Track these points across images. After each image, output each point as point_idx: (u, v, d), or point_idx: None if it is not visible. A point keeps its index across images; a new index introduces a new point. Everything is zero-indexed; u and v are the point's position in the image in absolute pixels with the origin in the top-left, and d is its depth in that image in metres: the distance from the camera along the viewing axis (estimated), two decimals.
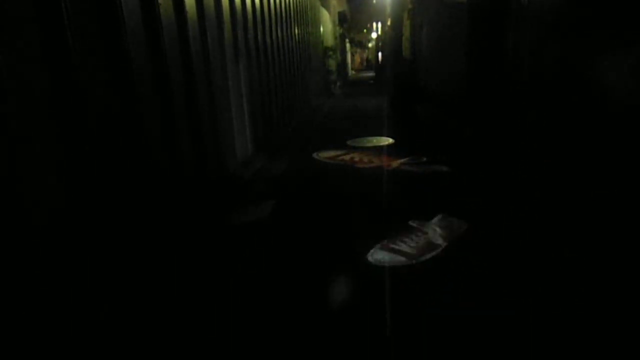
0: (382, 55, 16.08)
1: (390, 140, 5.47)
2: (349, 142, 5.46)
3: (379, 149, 5.03)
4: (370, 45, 28.13)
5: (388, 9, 12.19)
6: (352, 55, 29.25)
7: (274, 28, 5.63)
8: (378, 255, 2.27)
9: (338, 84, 14.62)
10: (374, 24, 19.65)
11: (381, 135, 5.82)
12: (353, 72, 24.30)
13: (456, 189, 3.41)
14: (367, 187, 3.58)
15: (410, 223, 2.65)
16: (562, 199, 2.83)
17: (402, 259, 2.23)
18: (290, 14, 6.97)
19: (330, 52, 13.74)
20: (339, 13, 18.87)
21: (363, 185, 3.66)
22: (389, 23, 12.51)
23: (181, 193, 2.52)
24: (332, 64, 14.32)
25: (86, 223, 1.70)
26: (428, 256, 2.25)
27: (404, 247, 2.35)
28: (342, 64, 18.97)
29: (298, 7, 7.90)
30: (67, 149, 1.63)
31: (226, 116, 3.60)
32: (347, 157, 4.66)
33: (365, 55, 32.93)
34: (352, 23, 22.91)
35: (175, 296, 2.01)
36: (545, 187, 3.07)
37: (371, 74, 21.70)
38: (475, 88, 4.90)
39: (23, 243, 1.39)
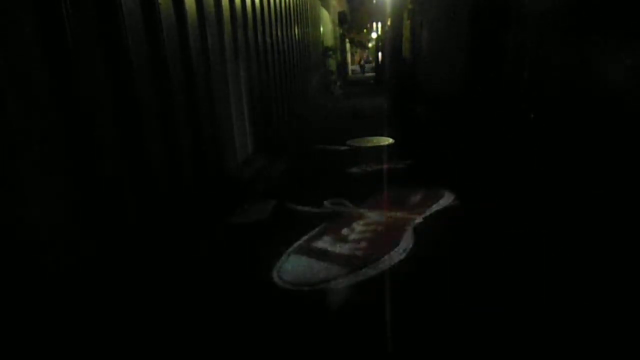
0: (382, 55, 16.09)
1: (390, 140, 5.48)
2: (348, 142, 5.47)
3: (379, 149, 5.03)
4: (370, 45, 28.13)
5: (388, 9, 12.21)
6: (352, 55, 29.25)
7: (274, 28, 5.63)
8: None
9: (338, 83, 14.62)
10: (374, 24, 19.65)
11: (381, 135, 5.82)
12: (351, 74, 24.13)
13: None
14: (367, 188, 3.59)
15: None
16: (563, 201, 2.82)
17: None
18: (290, 14, 6.97)
19: (330, 52, 13.74)
20: (339, 13, 18.88)
21: (363, 186, 3.66)
22: (389, 23, 12.52)
23: (181, 193, 2.52)
24: (332, 64, 14.33)
25: (85, 221, 1.70)
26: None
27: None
28: (342, 64, 18.97)
29: (298, 7, 7.90)
30: (66, 149, 1.63)
31: (226, 116, 3.60)
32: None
33: (365, 55, 32.90)
34: (352, 23, 22.91)
35: (175, 295, 2.01)
36: (543, 188, 3.07)
37: (371, 74, 21.72)
38: (475, 88, 4.91)
39: (23, 240, 1.39)
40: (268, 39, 5.24)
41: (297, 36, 7.60)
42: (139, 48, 2.13)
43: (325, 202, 2.66)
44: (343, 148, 5.22)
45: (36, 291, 1.44)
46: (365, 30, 25.98)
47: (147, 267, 2.08)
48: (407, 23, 9.59)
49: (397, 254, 2.23)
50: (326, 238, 2.33)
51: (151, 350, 1.66)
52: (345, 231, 2.37)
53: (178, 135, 2.53)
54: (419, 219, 2.73)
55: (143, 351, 1.66)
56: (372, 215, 2.63)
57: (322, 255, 2.20)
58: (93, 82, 1.80)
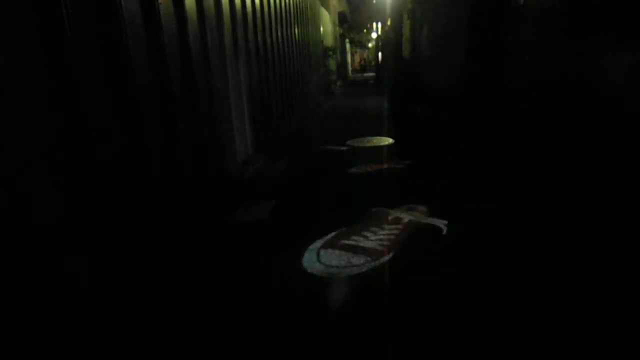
0: (382, 55, 16.10)
1: (390, 140, 5.48)
2: (348, 142, 5.47)
3: (378, 149, 5.04)
4: (370, 45, 28.13)
5: (388, 9, 12.21)
6: (352, 55, 29.27)
7: (274, 28, 5.63)
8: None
9: (338, 83, 14.63)
10: (374, 24, 19.66)
11: (381, 135, 5.82)
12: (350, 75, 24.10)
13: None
14: (367, 188, 3.59)
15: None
16: (563, 202, 2.82)
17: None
18: (290, 14, 6.97)
19: (330, 52, 13.75)
20: (339, 13, 18.89)
21: (363, 186, 3.66)
22: (389, 23, 12.53)
23: (181, 193, 2.52)
24: (332, 64, 14.34)
25: (85, 222, 1.70)
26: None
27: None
28: (342, 64, 18.99)
29: (298, 7, 7.91)
30: (66, 149, 1.63)
31: (226, 116, 3.60)
32: None
33: (364, 55, 32.89)
34: (352, 23, 22.93)
35: (175, 295, 2.01)
36: (543, 189, 3.07)
37: (371, 74, 21.75)
38: (475, 88, 4.91)
39: (23, 242, 1.39)
40: (268, 39, 5.24)
41: (297, 36, 7.60)
42: (139, 48, 2.13)
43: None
44: (343, 148, 5.22)
45: (36, 291, 1.44)
46: (365, 30, 25.99)
47: (148, 267, 2.08)
48: (407, 23, 9.59)
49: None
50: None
51: (152, 350, 1.66)
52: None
53: (178, 135, 2.53)
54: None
55: (145, 351, 1.66)
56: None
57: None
58: (92, 82, 1.80)
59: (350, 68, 25.00)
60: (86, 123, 1.72)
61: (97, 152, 1.79)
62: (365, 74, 24.26)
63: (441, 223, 2.30)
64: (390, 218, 2.38)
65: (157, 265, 2.14)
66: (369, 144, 5.36)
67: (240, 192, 3.45)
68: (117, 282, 1.85)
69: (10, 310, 1.34)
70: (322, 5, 12.95)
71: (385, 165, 4.22)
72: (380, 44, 17.42)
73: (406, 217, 2.34)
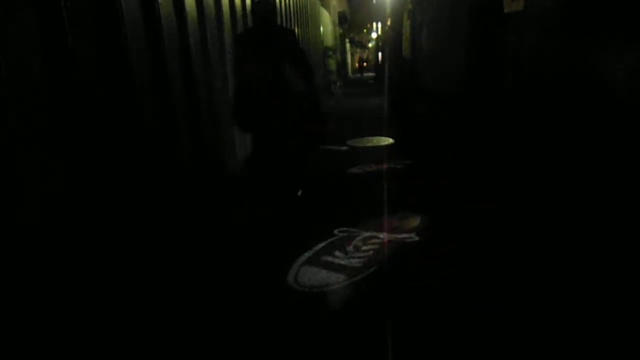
0: (382, 55, 16.10)
1: (390, 140, 5.47)
2: (349, 142, 5.47)
3: (378, 149, 5.03)
4: (370, 45, 28.12)
5: (388, 9, 12.21)
6: (352, 55, 29.27)
7: None
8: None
9: (338, 84, 14.63)
10: (374, 24, 19.66)
11: (381, 135, 5.82)
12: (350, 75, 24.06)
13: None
14: (367, 189, 3.59)
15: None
16: (562, 202, 2.82)
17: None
18: (290, 14, 6.97)
19: (330, 52, 13.74)
20: (339, 13, 18.90)
21: (362, 186, 3.66)
22: (389, 23, 12.53)
23: (180, 193, 2.52)
24: (332, 64, 14.33)
25: (84, 221, 1.70)
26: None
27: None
28: (342, 64, 18.99)
29: (298, 7, 7.90)
30: (67, 149, 1.63)
31: (226, 115, 3.60)
32: None
33: (364, 55, 32.84)
34: (352, 23, 22.93)
35: (174, 295, 2.01)
36: (543, 189, 3.07)
37: (371, 74, 21.77)
38: (475, 88, 4.91)
39: (20, 240, 1.39)
40: None
41: (297, 36, 7.60)
42: (139, 49, 2.13)
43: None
44: (343, 148, 5.22)
45: (36, 291, 1.44)
46: (365, 30, 25.98)
47: (147, 267, 2.08)
48: (407, 23, 9.59)
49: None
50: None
51: (151, 348, 1.66)
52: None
53: (178, 135, 2.53)
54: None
55: (145, 349, 1.66)
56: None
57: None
58: (92, 82, 1.80)
59: (350, 68, 25.00)
60: (86, 125, 1.72)
61: (98, 152, 1.79)
62: (365, 74, 24.26)
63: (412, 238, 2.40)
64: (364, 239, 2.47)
65: (157, 265, 2.14)
66: (369, 144, 5.36)
67: (240, 192, 3.45)
68: (116, 280, 1.85)
69: (8, 309, 1.33)
70: (322, 5, 12.94)
71: (385, 165, 4.22)
72: (380, 44, 17.42)
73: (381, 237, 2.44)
